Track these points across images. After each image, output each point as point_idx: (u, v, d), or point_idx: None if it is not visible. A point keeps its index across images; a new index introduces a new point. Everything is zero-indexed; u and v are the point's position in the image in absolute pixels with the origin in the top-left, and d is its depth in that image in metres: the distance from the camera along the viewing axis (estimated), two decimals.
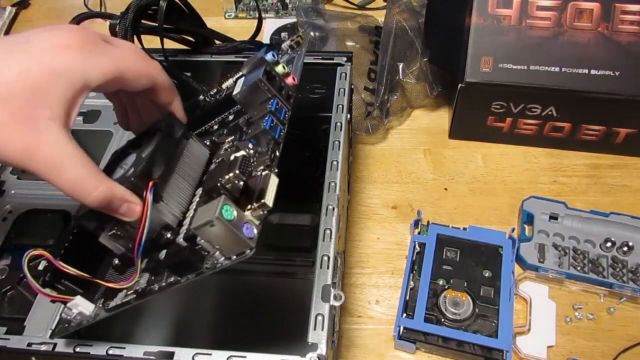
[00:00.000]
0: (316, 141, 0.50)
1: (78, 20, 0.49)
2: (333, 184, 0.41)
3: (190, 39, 0.53)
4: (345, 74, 0.51)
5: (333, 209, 0.40)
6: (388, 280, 0.55)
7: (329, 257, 0.37)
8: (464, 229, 0.56)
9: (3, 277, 0.40)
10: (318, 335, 0.33)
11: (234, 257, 0.28)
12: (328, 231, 0.38)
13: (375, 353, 0.50)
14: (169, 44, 0.50)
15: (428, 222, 0.57)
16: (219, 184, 0.29)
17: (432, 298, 0.51)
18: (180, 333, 0.47)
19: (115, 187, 0.29)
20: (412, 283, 0.52)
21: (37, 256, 0.30)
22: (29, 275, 0.30)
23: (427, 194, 0.63)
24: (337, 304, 0.35)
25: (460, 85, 0.61)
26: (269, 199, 0.28)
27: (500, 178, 0.64)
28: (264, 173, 0.30)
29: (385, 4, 0.82)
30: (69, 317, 0.34)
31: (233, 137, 0.38)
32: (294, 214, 0.56)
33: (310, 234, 0.45)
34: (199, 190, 0.34)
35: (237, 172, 0.29)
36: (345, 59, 0.52)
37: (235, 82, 0.42)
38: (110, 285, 0.33)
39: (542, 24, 0.59)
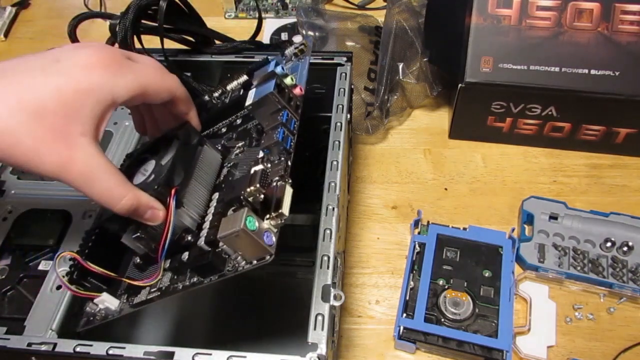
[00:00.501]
0: (316, 141, 0.50)
1: (78, 20, 0.49)
2: (333, 184, 0.41)
3: (190, 39, 0.53)
4: (345, 74, 0.51)
5: (333, 209, 0.40)
6: (388, 280, 0.55)
7: (329, 257, 0.37)
8: (464, 229, 0.56)
9: (3, 277, 0.40)
10: (318, 335, 0.33)
11: (255, 262, 0.31)
12: (328, 231, 0.38)
13: (375, 353, 0.50)
14: (169, 44, 0.49)
15: (428, 222, 0.57)
16: (241, 197, 0.31)
17: (432, 298, 0.51)
18: (180, 333, 0.47)
19: (141, 195, 0.31)
20: (412, 283, 0.52)
21: (67, 258, 0.34)
22: (60, 275, 0.34)
23: (427, 194, 0.63)
24: (337, 304, 0.35)
25: (460, 85, 0.61)
26: (286, 208, 0.31)
27: (500, 178, 0.64)
28: (279, 184, 0.32)
29: (385, 4, 0.82)
30: (93, 311, 0.36)
31: (243, 142, 0.39)
32: (294, 214, 0.56)
33: (310, 234, 0.45)
34: (215, 195, 0.36)
35: (258, 185, 0.31)
36: (345, 59, 0.52)
37: (241, 86, 0.44)
38: (135, 283, 0.35)
39: (542, 24, 0.59)
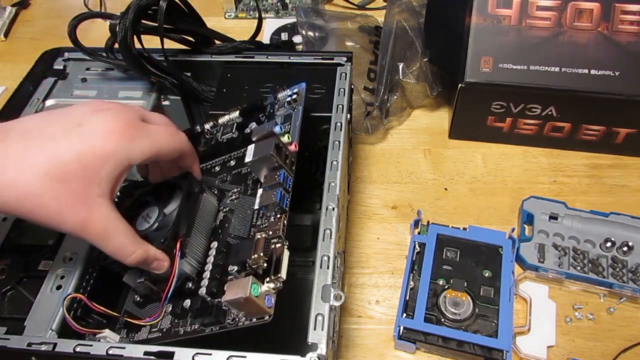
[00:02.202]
0: (316, 141, 0.50)
1: (78, 20, 0.49)
2: (333, 184, 0.41)
3: (190, 39, 0.53)
4: (345, 74, 0.51)
5: (333, 209, 0.40)
6: (388, 280, 0.55)
7: (329, 257, 0.37)
8: (464, 229, 0.56)
9: (3, 277, 0.40)
10: (318, 335, 0.33)
11: (255, 319, 0.34)
12: (328, 231, 0.38)
13: (375, 353, 0.50)
14: (169, 44, 0.50)
15: (428, 222, 0.57)
16: (247, 265, 0.33)
17: (432, 298, 0.51)
18: None
19: (149, 249, 0.34)
20: (412, 283, 0.52)
21: (74, 299, 0.36)
22: (67, 314, 0.35)
23: (427, 194, 0.63)
24: (337, 304, 0.35)
25: (460, 85, 0.61)
26: (284, 272, 0.33)
27: (500, 178, 0.64)
28: (277, 246, 0.34)
29: (385, 4, 0.82)
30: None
31: (238, 188, 0.41)
32: (293, 213, 0.56)
33: (310, 234, 0.45)
34: (214, 244, 0.38)
35: (262, 254, 0.33)
36: (345, 59, 0.52)
37: (234, 123, 0.47)
38: (137, 322, 0.37)
39: (542, 24, 0.59)
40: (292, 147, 0.40)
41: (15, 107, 0.50)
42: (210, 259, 0.37)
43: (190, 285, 0.37)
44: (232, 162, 0.45)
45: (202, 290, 0.36)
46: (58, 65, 0.54)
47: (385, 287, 0.54)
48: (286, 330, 0.38)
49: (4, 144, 0.30)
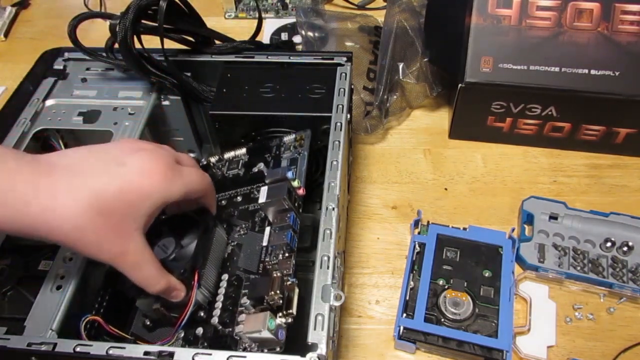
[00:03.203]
0: (316, 141, 0.50)
1: (78, 20, 0.49)
2: (333, 184, 0.41)
3: (190, 39, 0.53)
4: (345, 74, 0.51)
5: (333, 209, 0.40)
6: (388, 280, 0.55)
7: (329, 257, 0.37)
8: (464, 229, 0.56)
9: (3, 277, 0.40)
10: (318, 335, 0.33)
11: (266, 350, 0.35)
12: (328, 231, 0.38)
13: (375, 353, 0.50)
14: (169, 44, 0.49)
15: (428, 222, 0.57)
16: (264, 301, 0.35)
17: (432, 298, 0.51)
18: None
19: (171, 280, 0.36)
20: (412, 283, 0.52)
21: (90, 321, 0.37)
22: (83, 333, 0.37)
23: (427, 194, 0.63)
24: (337, 304, 0.35)
25: (460, 85, 0.61)
26: (294, 308, 0.35)
27: (500, 178, 0.64)
28: (288, 283, 0.36)
29: (385, 4, 0.82)
30: None
31: (245, 224, 0.44)
32: None
33: (310, 234, 0.46)
34: (225, 276, 0.40)
35: (278, 291, 0.35)
36: (345, 59, 0.52)
37: (240, 159, 0.50)
38: (148, 345, 0.38)
39: (542, 24, 0.59)
40: (300, 191, 0.43)
41: (15, 107, 0.50)
42: (222, 290, 0.40)
43: (202, 314, 0.38)
44: (239, 198, 0.47)
45: (215, 320, 0.38)
46: (58, 65, 0.54)
47: (385, 287, 0.54)
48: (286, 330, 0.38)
49: (51, 178, 0.31)
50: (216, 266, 0.41)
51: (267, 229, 0.41)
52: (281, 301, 0.35)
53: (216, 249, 0.41)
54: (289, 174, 0.41)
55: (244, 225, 0.44)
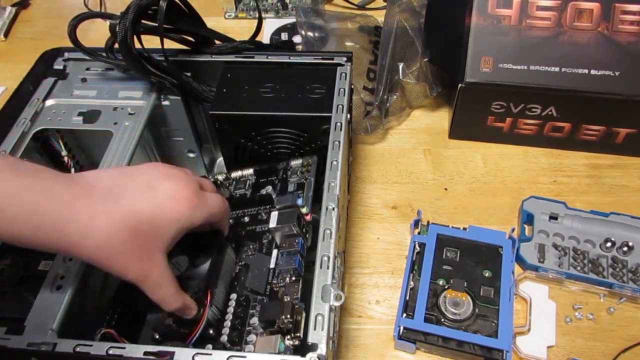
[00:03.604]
0: (316, 141, 0.50)
1: (78, 20, 0.49)
2: (333, 184, 0.41)
3: (190, 39, 0.53)
4: (345, 74, 0.51)
5: (333, 209, 0.40)
6: (388, 280, 0.55)
7: (329, 257, 0.37)
8: (464, 229, 0.56)
9: (3, 277, 0.40)
10: (318, 335, 0.33)
11: None
12: (328, 231, 0.38)
13: (375, 353, 0.50)
14: (169, 44, 0.49)
15: (428, 222, 0.57)
16: (275, 325, 0.37)
17: (432, 298, 0.51)
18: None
19: (187, 299, 0.37)
20: (412, 283, 0.52)
21: (106, 334, 0.38)
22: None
23: (427, 194, 0.63)
24: (337, 304, 0.35)
25: (460, 85, 0.61)
26: (302, 332, 0.36)
27: (500, 178, 0.64)
28: (296, 307, 0.37)
29: (385, 4, 0.82)
30: None
31: (253, 245, 0.45)
32: None
33: (310, 234, 0.46)
34: (233, 295, 0.42)
35: (288, 316, 0.36)
36: (345, 59, 0.52)
37: (247, 180, 0.52)
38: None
39: (542, 24, 0.59)
40: (308, 217, 0.44)
41: (15, 107, 0.50)
42: (230, 310, 0.41)
43: (211, 331, 0.39)
44: (246, 219, 0.48)
45: (224, 338, 0.39)
46: (58, 65, 0.54)
47: (385, 287, 0.54)
48: None
49: (91, 200, 0.33)
50: (225, 285, 0.42)
51: (275, 252, 0.43)
52: (290, 325, 0.36)
53: (226, 269, 0.42)
54: (299, 201, 0.43)
55: (251, 246, 0.45)
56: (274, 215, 0.43)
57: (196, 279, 0.40)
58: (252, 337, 0.38)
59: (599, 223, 0.56)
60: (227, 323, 0.40)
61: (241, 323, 0.39)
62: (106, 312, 0.39)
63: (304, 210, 0.44)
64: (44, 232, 0.31)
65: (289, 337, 0.36)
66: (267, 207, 0.47)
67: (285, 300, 0.39)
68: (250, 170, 0.52)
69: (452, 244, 0.55)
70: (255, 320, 0.39)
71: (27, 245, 0.31)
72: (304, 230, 0.43)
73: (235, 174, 0.53)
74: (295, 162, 0.50)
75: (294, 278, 0.41)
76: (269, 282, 0.41)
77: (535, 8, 0.59)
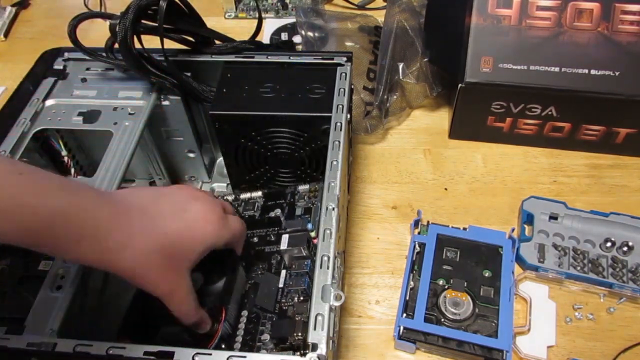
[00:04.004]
0: (316, 141, 0.50)
1: (78, 20, 0.49)
2: (333, 184, 0.41)
3: (190, 39, 0.53)
4: (345, 74, 0.51)
5: (333, 209, 0.40)
6: (388, 280, 0.55)
7: (329, 257, 0.37)
8: (464, 229, 0.56)
9: (3, 277, 0.40)
10: (318, 335, 0.33)
11: None
12: (328, 231, 0.38)
13: (375, 353, 0.50)
14: (169, 44, 0.49)
15: (428, 222, 0.57)
16: (287, 343, 0.38)
17: (432, 298, 0.51)
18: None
19: (204, 315, 0.39)
20: (412, 283, 0.52)
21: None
22: None
23: (427, 194, 0.63)
24: (337, 304, 0.35)
25: (460, 85, 0.61)
26: (310, 348, 0.36)
27: (500, 178, 0.64)
28: (303, 323, 0.39)
29: (385, 4, 0.82)
30: None
31: (262, 265, 0.47)
32: None
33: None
34: (244, 312, 0.43)
35: (300, 334, 0.38)
36: (345, 59, 0.52)
37: (256, 202, 0.54)
38: None
39: (542, 24, 0.59)
40: (316, 241, 0.45)
41: (15, 107, 0.50)
42: (242, 326, 0.42)
43: (223, 346, 0.40)
44: (255, 239, 0.49)
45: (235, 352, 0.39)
46: (58, 65, 0.54)
47: (385, 287, 0.54)
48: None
49: (129, 219, 0.34)
50: (237, 302, 0.44)
51: (283, 272, 0.45)
52: (301, 342, 0.37)
53: (238, 287, 0.44)
54: (309, 226, 0.45)
55: (260, 266, 0.47)
56: (285, 238, 0.45)
57: (210, 295, 0.42)
58: (263, 353, 0.39)
59: (599, 223, 0.56)
60: (239, 338, 0.41)
61: (252, 339, 0.41)
62: (122, 324, 0.40)
63: (312, 234, 0.45)
64: (84, 248, 0.32)
65: (298, 353, 0.37)
66: (276, 229, 0.49)
67: (297, 318, 0.40)
68: (259, 193, 0.54)
69: (452, 244, 0.55)
70: (265, 336, 0.40)
71: (65, 258, 0.33)
72: (312, 253, 0.45)
73: (245, 196, 0.54)
74: (303, 188, 0.52)
75: (302, 298, 0.42)
76: (277, 301, 0.43)
77: (535, 8, 0.59)
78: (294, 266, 0.45)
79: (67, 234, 0.31)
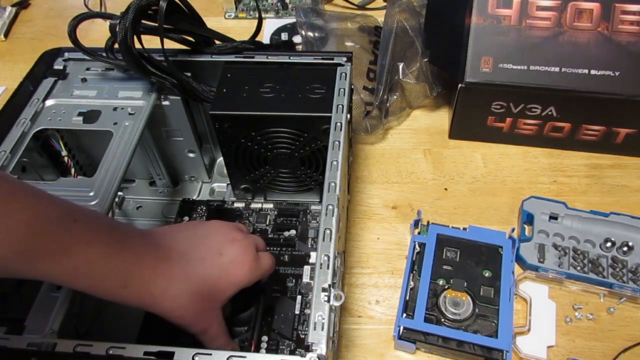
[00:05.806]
0: (316, 141, 0.50)
1: (78, 20, 0.49)
2: (333, 184, 0.41)
3: (190, 39, 0.53)
4: (345, 74, 0.51)
5: (333, 209, 0.40)
6: (388, 280, 0.55)
7: (329, 257, 0.37)
8: (464, 229, 0.56)
9: None
10: (318, 335, 0.33)
11: None
12: (328, 231, 0.38)
13: (375, 353, 0.50)
14: (169, 44, 0.49)
15: (428, 222, 0.57)
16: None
17: (432, 298, 0.51)
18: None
19: (235, 346, 0.42)
20: (412, 283, 0.52)
21: None
22: None
23: (427, 194, 0.63)
24: (337, 304, 0.35)
25: (460, 85, 0.61)
26: None
27: (500, 178, 0.64)
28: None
29: (385, 4, 0.82)
30: None
31: (276, 287, 0.48)
32: None
33: None
34: (264, 338, 0.45)
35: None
36: (345, 59, 0.52)
37: (266, 215, 0.55)
38: None
39: (542, 24, 0.59)
40: None
41: (15, 107, 0.50)
42: (262, 352, 0.44)
43: None
44: None
45: None
46: (58, 65, 0.54)
47: (385, 287, 0.54)
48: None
49: (169, 264, 0.37)
50: (259, 327, 0.45)
51: (299, 298, 0.47)
52: None
53: (260, 312, 0.46)
54: None
55: (274, 287, 0.49)
56: (307, 269, 0.49)
57: (238, 324, 0.44)
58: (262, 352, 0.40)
59: (599, 223, 0.56)
60: None
61: None
62: (140, 331, 0.42)
63: None
64: (129, 293, 0.34)
65: (298, 353, 0.38)
66: (289, 250, 0.52)
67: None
68: (270, 205, 0.56)
69: (452, 244, 0.55)
70: None
71: (108, 299, 0.34)
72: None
73: (256, 206, 0.56)
74: (315, 208, 0.54)
75: None
76: (294, 328, 0.45)
77: (535, 8, 0.59)
78: (309, 294, 0.46)
79: (112, 278, 0.34)
